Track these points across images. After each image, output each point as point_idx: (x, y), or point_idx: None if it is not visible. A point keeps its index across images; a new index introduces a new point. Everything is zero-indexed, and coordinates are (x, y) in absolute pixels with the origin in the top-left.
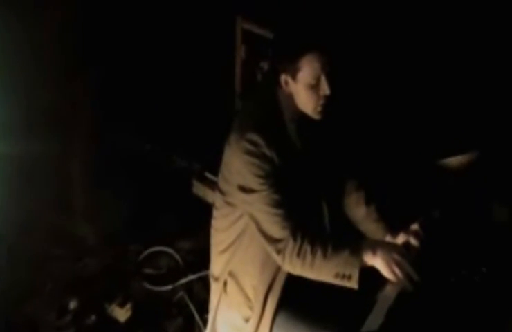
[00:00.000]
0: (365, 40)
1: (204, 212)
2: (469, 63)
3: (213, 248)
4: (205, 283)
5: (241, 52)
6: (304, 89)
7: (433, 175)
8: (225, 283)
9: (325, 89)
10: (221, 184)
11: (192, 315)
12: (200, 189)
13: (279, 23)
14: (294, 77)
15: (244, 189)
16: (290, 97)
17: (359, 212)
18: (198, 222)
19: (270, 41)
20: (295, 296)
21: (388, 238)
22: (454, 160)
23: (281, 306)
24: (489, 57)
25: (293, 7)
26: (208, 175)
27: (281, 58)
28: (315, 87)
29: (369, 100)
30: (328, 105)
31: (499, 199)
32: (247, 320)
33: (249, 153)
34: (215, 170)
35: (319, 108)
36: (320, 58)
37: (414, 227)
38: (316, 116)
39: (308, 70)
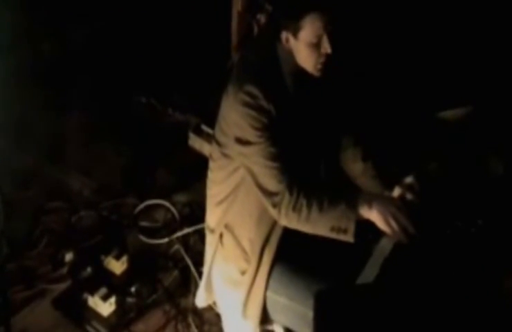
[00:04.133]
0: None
1: (200, 165)
2: (464, 19)
3: (209, 200)
4: (201, 236)
5: (237, 5)
6: (305, 47)
7: (429, 128)
8: (221, 236)
9: (326, 47)
10: (218, 135)
11: (188, 268)
12: (196, 142)
13: None
14: (295, 35)
15: (241, 142)
16: (290, 53)
17: (356, 168)
18: (194, 175)
19: None
20: (291, 249)
21: (385, 194)
22: (450, 113)
23: (278, 259)
24: (484, 15)
25: None
26: (204, 127)
27: (282, 15)
28: (316, 45)
29: (366, 55)
30: (329, 62)
31: (495, 151)
32: (243, 273)
33: (247, 105)
34: (211, 123)
35: (319, 66)
36: (322, 17)
37: (409, 180)
38: (316, 73)
39: (310, 29)
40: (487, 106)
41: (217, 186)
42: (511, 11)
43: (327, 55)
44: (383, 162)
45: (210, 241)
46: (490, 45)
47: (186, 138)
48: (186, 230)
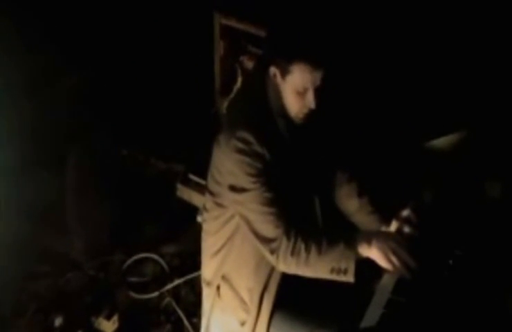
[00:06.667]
0: (359, 51)
1: (186, 214)
2: (453, 43)
3: (204, 252)
4: (192, 287)
5: (219, 48)
6: (290, 92)
7: (422, 158)
8: (218, 288)
9: (310, 102)
10: (211, 185)
11: (181, 320)
12: (184, 193)
13: (280, 16)
14: (283, 75)
15: (235, 189)
16: (278, 89)
17: (351, 205)
18: (181, 224)
19: (253, 35)
20: (290, 295)
21: (383, 229)
22: (443, 141)
23: (278, 306)
24: (473, 35)
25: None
26: (192, 177)
27: (274, 52)
28: (301, 94)
29: (357, 89)
30: (312, 115)
31: (490, 175)
32: (243, 323)
33: (240, 151)
34: (198, 171)
35: (301, 115)
36: (312, 71)
37: (406, 212)
38: (297, 120)
39: (298, 77)
40: (480, 131)
41: (212, 237)
42: (502, 37)
43: (310, 108)
44: (378, 197)
45: (207, 294)
46: (481, 71)
47: (171, 187)
48: (176, 282)
